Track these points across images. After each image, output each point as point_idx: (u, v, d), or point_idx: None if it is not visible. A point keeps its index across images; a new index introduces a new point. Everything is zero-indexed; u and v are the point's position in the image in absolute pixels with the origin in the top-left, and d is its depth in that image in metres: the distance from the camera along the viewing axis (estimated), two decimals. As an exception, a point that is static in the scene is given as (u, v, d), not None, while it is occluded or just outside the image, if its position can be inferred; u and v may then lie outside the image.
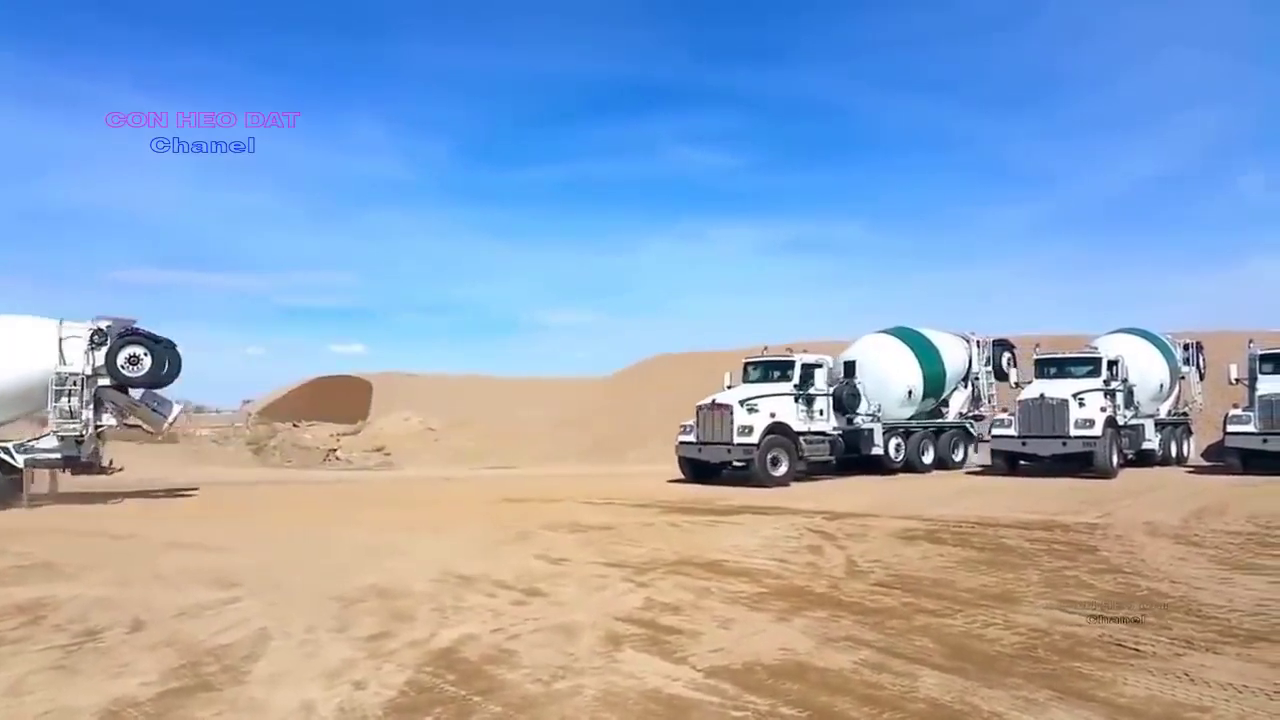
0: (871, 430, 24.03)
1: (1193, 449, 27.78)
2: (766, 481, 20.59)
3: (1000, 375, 28.42)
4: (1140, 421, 24.89)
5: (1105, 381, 23.15)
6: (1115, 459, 22.21)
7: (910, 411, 25.72)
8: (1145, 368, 25.63)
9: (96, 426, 18.56)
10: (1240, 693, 5.47)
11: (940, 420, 26.59)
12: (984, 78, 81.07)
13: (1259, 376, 23.09)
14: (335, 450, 36.60)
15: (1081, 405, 22.13)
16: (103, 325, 18.57)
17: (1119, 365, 23.60)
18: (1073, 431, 21.92)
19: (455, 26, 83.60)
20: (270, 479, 25.96)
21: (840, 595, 8.53)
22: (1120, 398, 23.40)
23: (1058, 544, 11.57)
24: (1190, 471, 24.55)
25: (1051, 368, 24.39)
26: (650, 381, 37.46)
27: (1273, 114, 72.05)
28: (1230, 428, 22.88)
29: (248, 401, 58.88)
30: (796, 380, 21.98)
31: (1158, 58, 72.80)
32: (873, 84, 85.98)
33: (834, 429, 22.65)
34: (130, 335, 18.75)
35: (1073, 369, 23.93)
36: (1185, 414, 28.09)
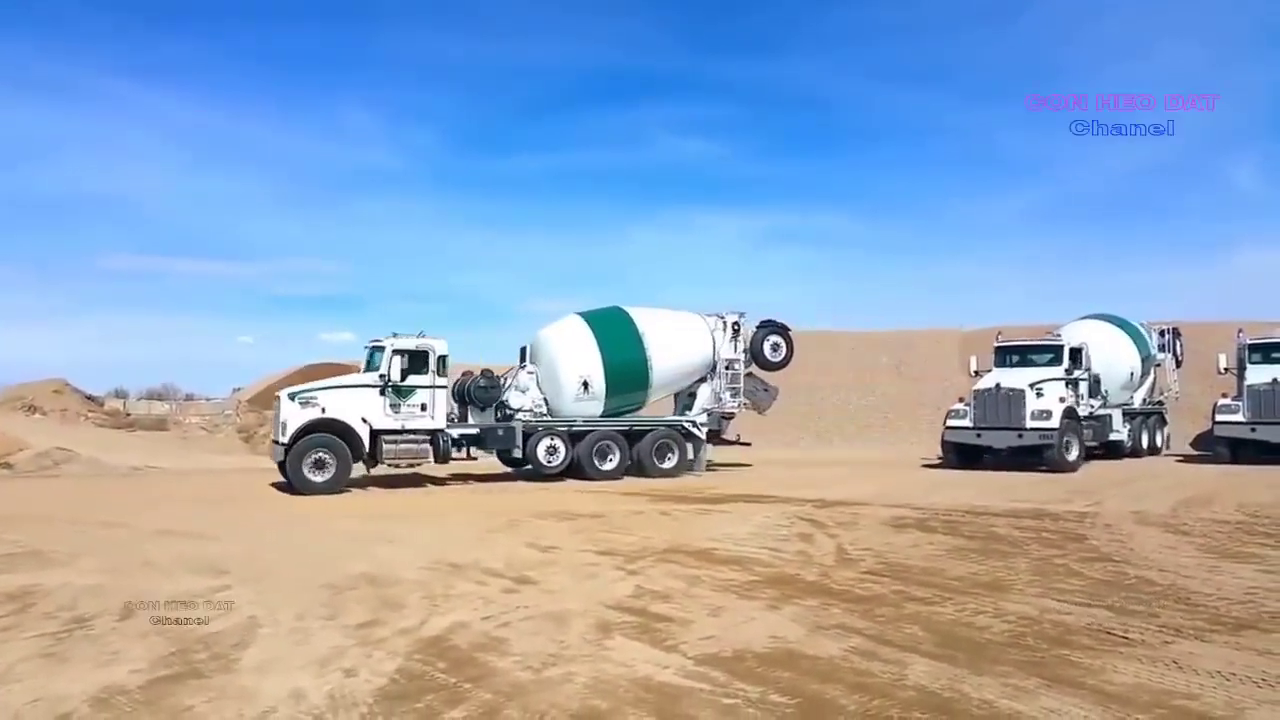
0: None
1: (1169, 439, 27.45)
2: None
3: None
4: (1107, 412, 24.34)
5: (1067, 370, 22.27)
6: (1075, 452, 21.41)
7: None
8: (1114, 355, 25.08)
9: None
10: (1229, 680, 5.49)
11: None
12: (974, 69, 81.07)
13: (1248, 366, 23.11)
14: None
15: (1039, 395, 21.27)
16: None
17: (1083, 353, 22.86)
18: (1029, 423, 21.01)
19: (445, 15, 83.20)
20: (260, 466, 25.89)
21: (830, 583, 8.54)
22: (1084, 387, 22.61)
23: (1047, 532, 11.62)
24: (1180, 460, 24.67)
25: (1013, 356, 23.25)
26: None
27: (1264, 105, 72.14)
28: (1219, 417, 22.90)
29: (238, 389, 58.65)
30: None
31: (1149, 49, 72.81)
32: (862, 74, 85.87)
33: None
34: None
35: (1035, 357, 22.93)
36: (1160, 403, 27.72)
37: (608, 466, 20.09)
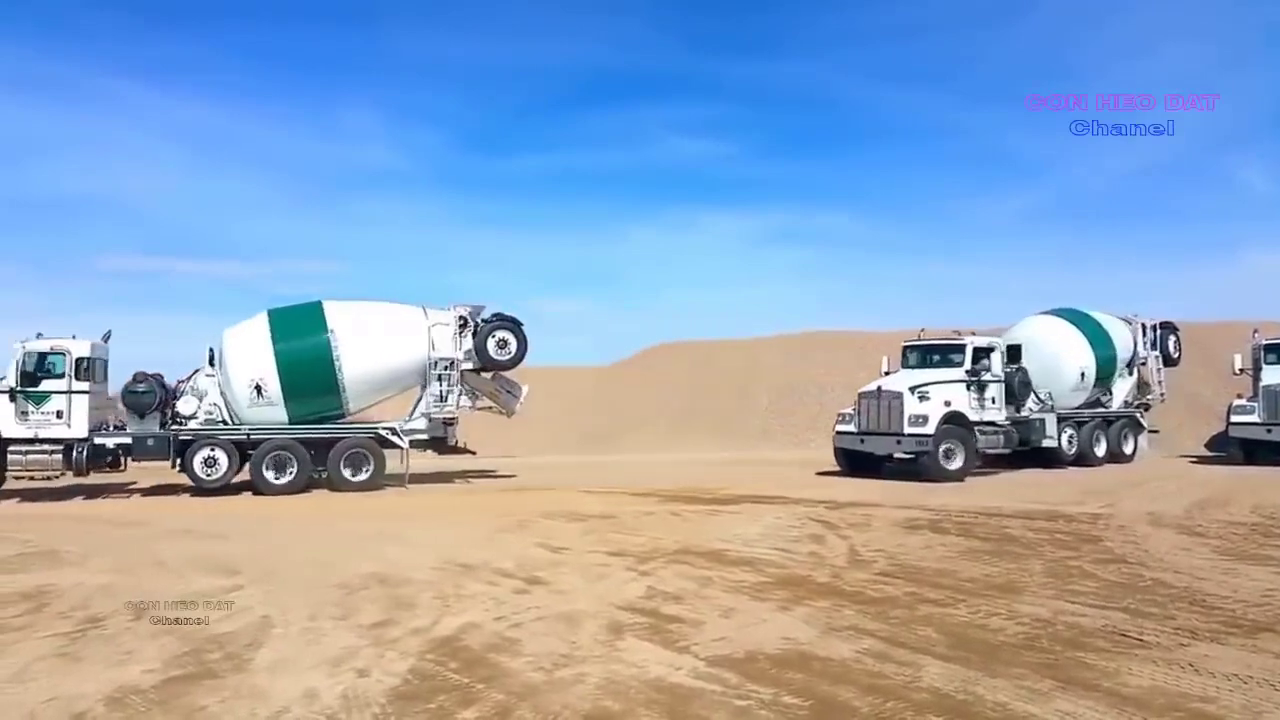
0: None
1: (1141, 446, 24.44)
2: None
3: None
4: (1037, 416, 21.91)
5: (969, 372, 20.13)
6: (959, 461, 19.28)
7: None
8: (1060, 355, 22.91)
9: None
10: (1245, 683, 5.45)
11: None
12: (977, 69, 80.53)
13: (1264, 366, 22.79)
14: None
15: (922, 399, 19.53)
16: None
17: (994, 354, 20.74)
18: (906, 429, 19.36)
19: (447, 15, 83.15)
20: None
21: (843, 585, 8.52)
22: (994, 390, 20.48)
23: (1061, 534, 11.55)
24: (1194, 461, 24.45)
25: (933, 355, 21.47)
26: (650, 370, 37.42)
27: (1270, 105, 71.64)
28: (1234, 418, 22.60)
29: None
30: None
31: (1153, 51, 72.38)
32: (863, 75, 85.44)
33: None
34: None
35: (954, 357, 20.97)
36: (1138, 405, 24.78)
37: (283, 480, 17.81)
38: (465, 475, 21.29)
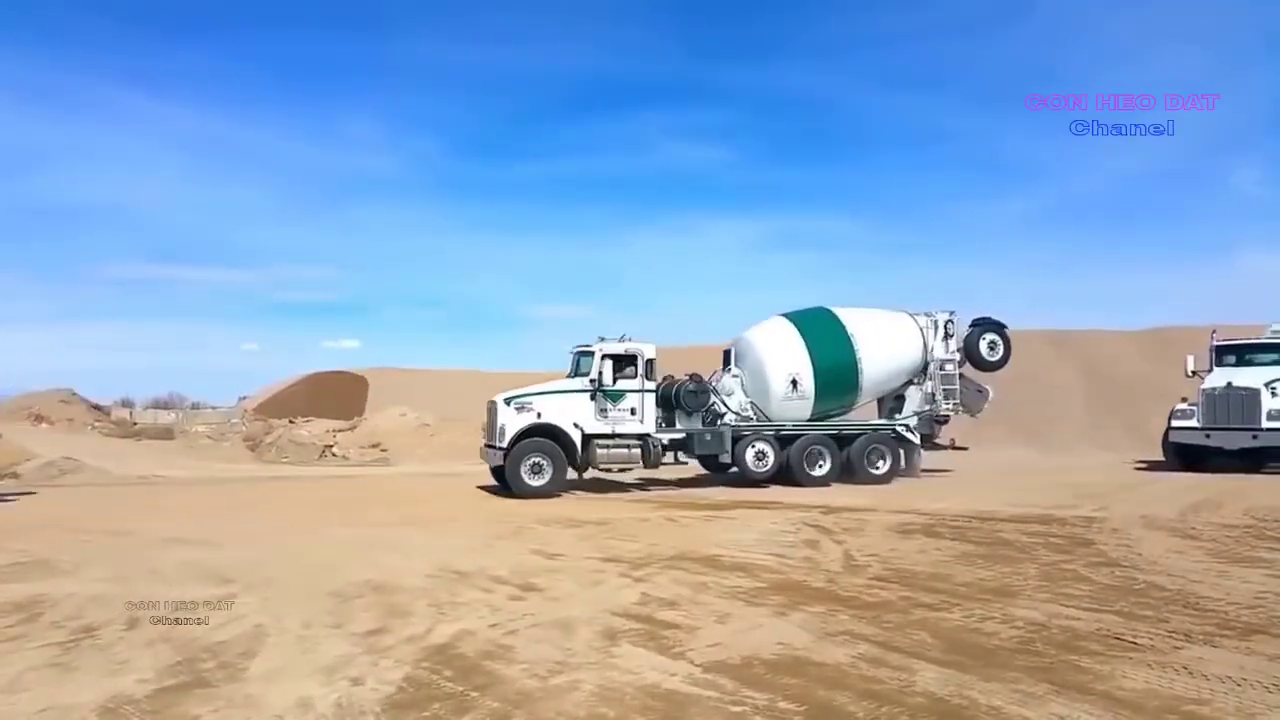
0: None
1: (901, 463, 20.23)
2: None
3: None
4: (680, 432, 19.21)
5: (591, 382, 18.33)
6: (541, 477, 17.63)
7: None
8: (768, 361, 19.94)
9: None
10: (1239, 685, 5.47)
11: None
12: (975, 74, 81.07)
13: (1214, 369, 22.20)
14: (332, 446, 36.50)
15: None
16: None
17: (638, 361, 18.58)
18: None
19: (447, 23, 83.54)
20: (268, 475, 25.95)
21: (838, 590, 8.52)
22: (636, 400, 18.48)
23: (1055, 538, 11.58)
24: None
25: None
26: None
27: (1266, 109, 72.03)
28: (1174, 423, 21.90)
29: (244, 398, 58.78)
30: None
31: (1150, 54, 72.71)
32: (863, 79, 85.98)
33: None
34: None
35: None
36: (902, 420, 20.75)
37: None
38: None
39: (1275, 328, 22.69)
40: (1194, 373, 22.67)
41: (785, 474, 19.37)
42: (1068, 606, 7.64)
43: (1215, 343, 23.01)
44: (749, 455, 19.19)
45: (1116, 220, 79.47)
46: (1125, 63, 72.21)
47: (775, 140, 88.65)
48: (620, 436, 18.36)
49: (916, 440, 20.45)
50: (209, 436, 38.10)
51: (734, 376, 20.14)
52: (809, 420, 20.02)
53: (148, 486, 17.07)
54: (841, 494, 17.44)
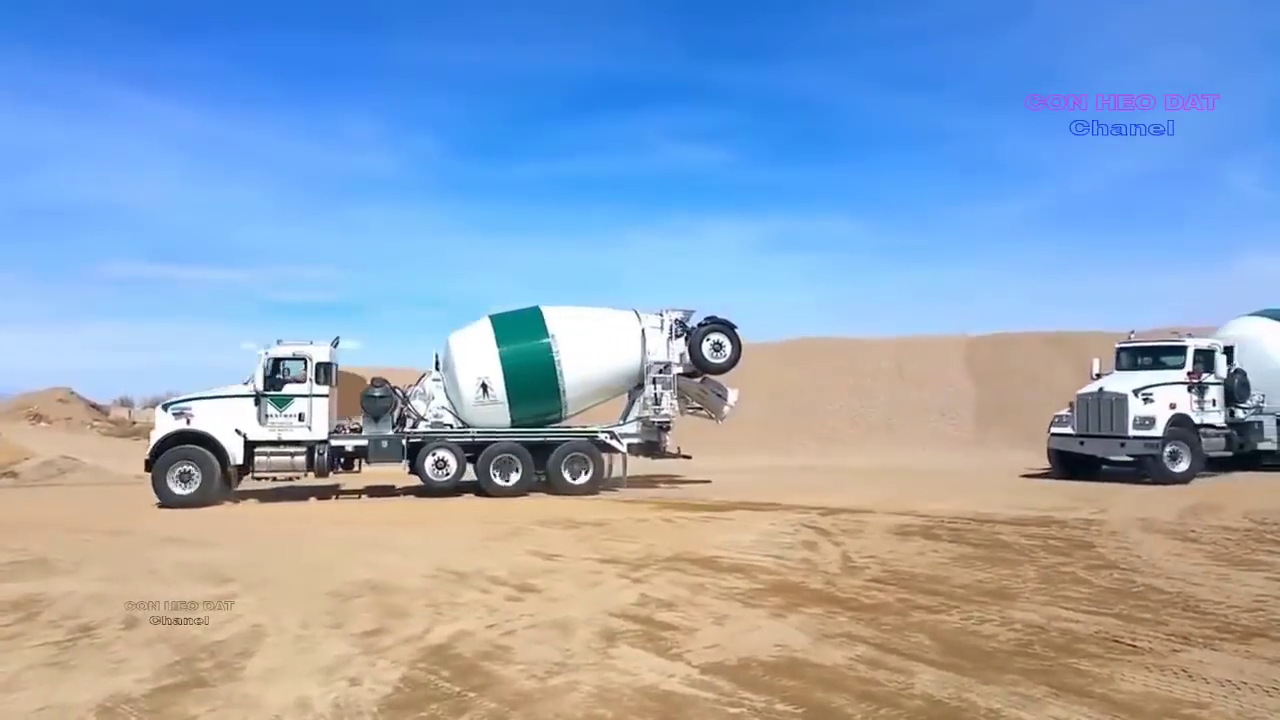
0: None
1: (606, 472, 18.91)
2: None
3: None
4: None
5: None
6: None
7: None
8: (459, 364, 18.73)
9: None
10: (1238, 689, 5.46)
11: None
12: (974, 74, 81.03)
13: (1115, 372, 21.56)
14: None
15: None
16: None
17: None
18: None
19: (446, 22, 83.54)
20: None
21: (836, 591, 8.52)
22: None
23: (1054, 540, 11.57)
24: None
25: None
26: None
27: (1266, 110, 72.03)
28: (1053, 429, 21.18)
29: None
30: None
31: (1150, 55, 72.72)
32: (863, 80, 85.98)
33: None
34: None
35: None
36: (611, 427, 19.31)
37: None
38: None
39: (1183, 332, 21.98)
40: (1098, 375, 21.64)
41: (476, 483, 18.21)
42: (1066, 609, 7.64)
43: (1117, 345, 22.38)
44: (428, 464, 17.90)
45: (1117, 221, 79.39)
46: (1125, 63, 72.21)
47: (775, 141, 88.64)
48: (286, 443, 17.42)
49: (622, 448, 19.01)
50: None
51: (435, 381, 19.11)
52: (511, 427, 18.65)
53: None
54: (842, 495, 17.36)
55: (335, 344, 18.48)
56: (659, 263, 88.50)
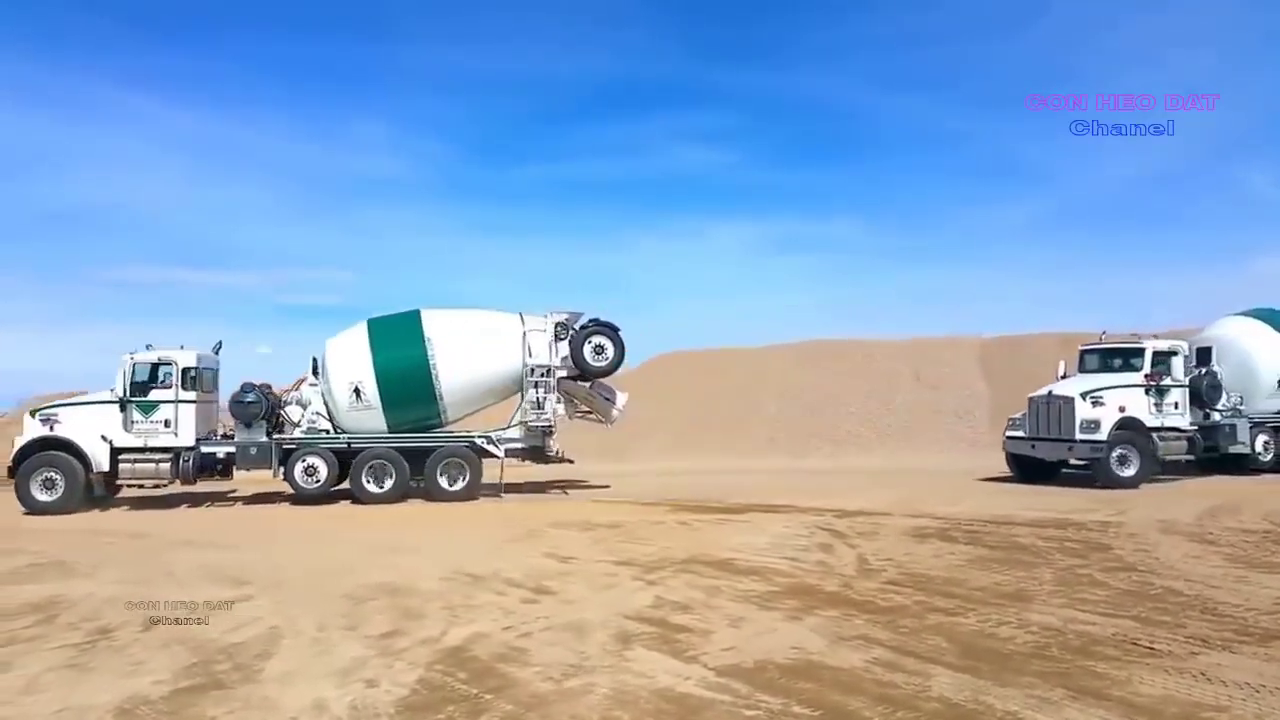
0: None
1: (481, 478, 18.47)
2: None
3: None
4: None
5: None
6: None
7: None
8: (333, 369, 18.42)
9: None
10: (1258, 692, 5.42)
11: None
12: (982, 76, 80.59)
13: (1076, 375, 21.11)
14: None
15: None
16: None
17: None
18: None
19: (454, 26, 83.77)
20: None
21: (852, 594, 8.49)
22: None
23: (1071, 542, 11.50)
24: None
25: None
26: (656, 379, 37.43)
27: (1276, 110, 71.39)
28: (1008, 433, 20.89)
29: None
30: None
31: (1158, 57, 72.19)
32: (868, 82, 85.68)
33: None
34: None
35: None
36: (489, 432, 19.02)
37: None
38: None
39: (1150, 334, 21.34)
40: (1063, 376, 21.16)
41: (350, 490, 18.02)
42: (1084, 611, 7.59)
43: (1080, 347, 22.02)
44: (298, 470, 17.67)
45: (1125, 223, 78.82)
46: (1133, 66, 71.65)
47: (779, 143, 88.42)
48: (152, 450, 17.21)
49: (499, 453, 18.70)
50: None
51: (312, 386, 18.73)
52: (388, 433, 18.37)
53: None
54: (857, 497, 17.30)
55: (216, 349, 18.48)
56: (663, 265, 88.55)
